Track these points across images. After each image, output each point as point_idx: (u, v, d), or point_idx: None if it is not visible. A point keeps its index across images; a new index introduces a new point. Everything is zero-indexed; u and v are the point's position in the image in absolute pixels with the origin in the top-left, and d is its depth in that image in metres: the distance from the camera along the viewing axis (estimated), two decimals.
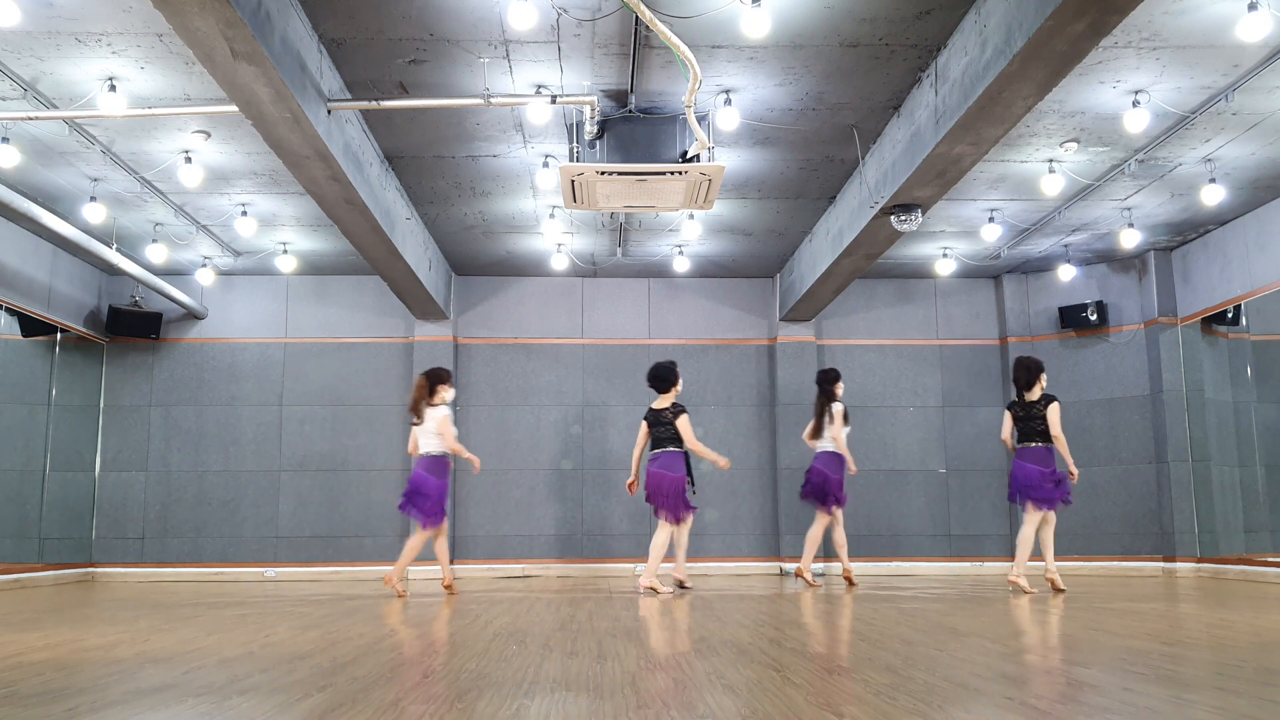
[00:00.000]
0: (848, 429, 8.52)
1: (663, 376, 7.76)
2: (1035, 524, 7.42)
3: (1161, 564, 9.98)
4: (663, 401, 7.72)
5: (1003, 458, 10.79)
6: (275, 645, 4.20)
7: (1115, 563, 10.15)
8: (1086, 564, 10.20)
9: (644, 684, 3.09)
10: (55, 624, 5.28)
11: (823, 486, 8.36)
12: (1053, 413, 7.37)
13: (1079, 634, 4.49)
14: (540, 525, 10.56)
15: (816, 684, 3.07)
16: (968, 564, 10.61)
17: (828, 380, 8.51)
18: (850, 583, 8.39)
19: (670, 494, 7.51)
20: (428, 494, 7.44)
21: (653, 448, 7.69)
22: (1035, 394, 7.48)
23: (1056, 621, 5.14)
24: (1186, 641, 4.18)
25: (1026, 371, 7.52)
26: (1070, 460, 7.42)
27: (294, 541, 10.43)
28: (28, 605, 6.73)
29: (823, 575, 10.12)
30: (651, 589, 7.41)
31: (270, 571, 10.33)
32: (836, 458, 8.39)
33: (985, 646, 4.00)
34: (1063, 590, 7.36)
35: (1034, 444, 7.43)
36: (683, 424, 7.57)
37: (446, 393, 7.64)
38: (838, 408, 8.43)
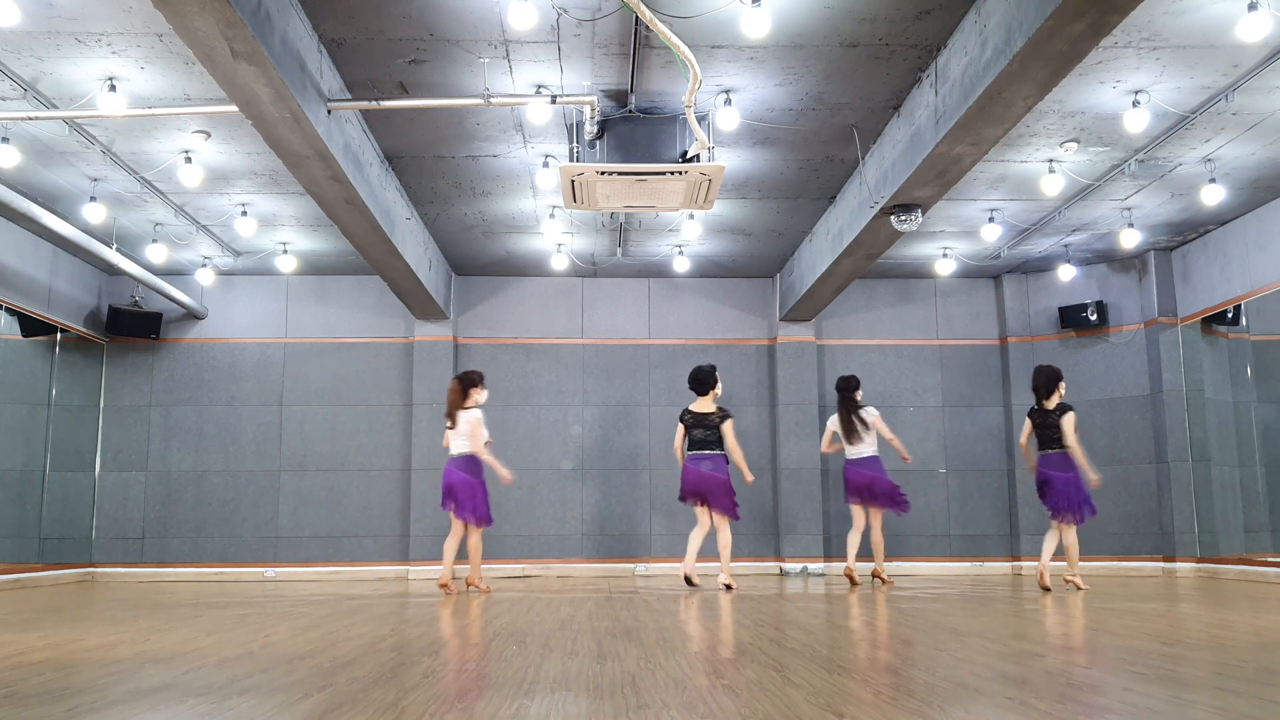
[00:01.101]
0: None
1: (702, 380, 8.11)
2: (1059, 530, 7.60)
3: (1161, 564, 9.98)
4: (705, 405, 8.08)
5: (1002, 458, 10.79)
6: (275, 645, 4.20)
7: (1115, 563, 10.15)
8: (1087, 564, 10.19)
9: (644, 684, 3.09)
10: (55, 624, 5.28)
11: (889, 491, 8.43)
12: (1067, 422, 7.55)
13: (1079, 634, 4.49)
14: (540, 525, 10.56)
15: (816, 684, 3.07)
16: (968, 564, 10.61)
17: (849, 387, 8.59)
18: (853, 583, 8.41)
19: (726, 493, 7.93)
20: (473, 493, 7.64)
21: (693, 448, 8.01)
22: (1053, 402, 7.66)
23: (1056, 621, 5.14)
24: (1186, 641, 4.18)
25: (1047, 379, 7.71)
26: (1088, 467, 7.55)
27: (294, 541, 10.43)
28: (28, 605, 6.73)
29: (822, 574, 10.13)
30: (728, 585, 7.81)
31: (270, 571, 10.33)
32: (879, 461, 8.47)
33: (985, 646, 4.00)
34: (1048, 589, 7.41)
35: (1052, 451, 7.62)
36: (728, 429, 8.02)
37: (480, 395, 7.85)
38: (874, 413, 8.51)
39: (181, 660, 3.75)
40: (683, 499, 8.09)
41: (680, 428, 8.10)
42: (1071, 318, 10.52)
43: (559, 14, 5.51)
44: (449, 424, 7.75)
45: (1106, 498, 10.29)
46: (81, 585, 9.43)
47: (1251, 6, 5.19)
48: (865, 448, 8.43)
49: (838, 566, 10.28)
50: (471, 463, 7.69)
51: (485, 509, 7.68)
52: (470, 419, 7.71)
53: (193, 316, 10.71)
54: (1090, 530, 10.30)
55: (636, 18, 5.41)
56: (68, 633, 4.79)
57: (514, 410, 10.73)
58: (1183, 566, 9.75)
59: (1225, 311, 9.51)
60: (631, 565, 10.49)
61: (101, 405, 10.54)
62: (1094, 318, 10.36)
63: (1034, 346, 10.75)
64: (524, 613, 5.73)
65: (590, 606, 6.15)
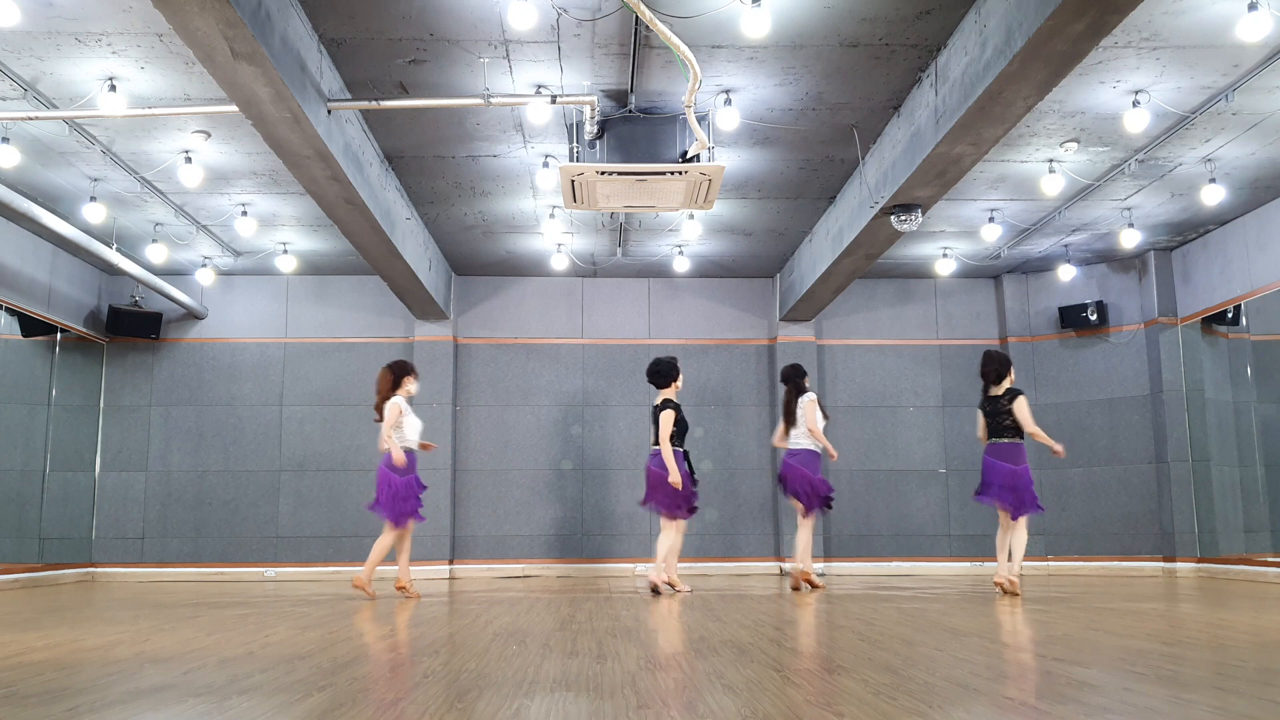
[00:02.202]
0: (826, 421, 8.02)
1: (662, 372, 7.57)
2: (1009, 527, 7.26)
3: (1161, 564, 9.98)
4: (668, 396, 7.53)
5: None
6: (275, 645, 4.20)
7: (1115, 563, 10.15)
8: (1086, 564, 10.20)
9: (644, 684, 3.09)
10: (55, 624, 5.28)
11: (806, 487, 7.85)
12: (1020, 406, 7.15)
13: (1079, 634, 4.49)
14: (540, 525, 10.56)
15: (816, 684, 3.07)
16: (968, 564, 10.61)
17: (797, 374, 8.02)
18: (813, 586, 7.90)
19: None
20: (388, 487, 7.23)
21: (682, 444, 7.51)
22: (1002, 388, 7.29)
23: (1056, 622, 5.14)
24: (1186, 641, 4.18)
25: (997, 365, 7.31)
26: (1051, 443, 7.17)
27: (294, 541, 10.43)
28: (28, 605, 6.73)
29: (821, 574, 10.12)
30: (665, 586, 7.40)
31: (270, 571, 10.33)
32: (814, 455, 7.89)
33: (985, 646, 4.00)
34: (1017, 595, 6.96)
35: (1003, 440, 7.24)
36: (661, 418, 7.38)
37: (411, 385, 7.43)
38: (809, 397, 7.90)
39: (181, 660, 3.75)
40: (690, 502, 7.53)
41: (672, 417, 7.40)
42: (1071, 318, 10.52)
43: (559, 14, 5.51)
44: (376, 417, 7.37)
45: (1107, 498, 10.31)
46: (81, 585, 9.43)
47: (1251, 6, 5.19)
48: (801, 440, 7.86)
49: (836, 567, 10.28)
50: (409, 458, 7.31)
51: (394, 510, 7.19)
52: (389, 406, 7.26)
53: (193, 316, 10.71)
54: (1090, 530, 10.31)
55: (636, 18, 5.41)
56: (68, 633, 4.79)
57: (514, 410, 10.73)
58: (1183, 566, 9.75)
59: (1225, 311, 9.51)
60: (631, 565, 10.49)
61: (101, 405, 10.54)
62: (1094, 318, 10.36)
63: (1034, 346, 10.75)
64: (524, 613, 5.73)
65: (590, 606, 6.15)
